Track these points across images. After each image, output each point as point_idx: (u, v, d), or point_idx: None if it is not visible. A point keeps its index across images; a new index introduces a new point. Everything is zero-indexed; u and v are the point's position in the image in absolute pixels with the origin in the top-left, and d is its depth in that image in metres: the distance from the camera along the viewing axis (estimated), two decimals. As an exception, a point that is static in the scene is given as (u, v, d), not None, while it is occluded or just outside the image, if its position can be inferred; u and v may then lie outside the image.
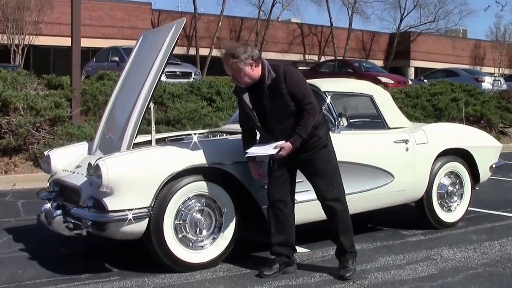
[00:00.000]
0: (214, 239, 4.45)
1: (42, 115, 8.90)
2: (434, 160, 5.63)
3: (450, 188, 5.82)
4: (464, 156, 5.92)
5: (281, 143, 4.09)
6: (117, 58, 16.29)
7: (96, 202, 4.17)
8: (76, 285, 4.07)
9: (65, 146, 5.46)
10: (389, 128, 5.52)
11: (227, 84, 12.43)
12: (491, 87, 20.42)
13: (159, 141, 4.94)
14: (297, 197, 4.63)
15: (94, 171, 4.10)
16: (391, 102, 5.82)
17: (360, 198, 5.10)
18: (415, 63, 39.09)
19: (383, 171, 5.26)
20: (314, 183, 4.30)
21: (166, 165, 4.18)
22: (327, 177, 4.25)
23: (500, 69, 40.02)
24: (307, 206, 4.66)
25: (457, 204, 5.89)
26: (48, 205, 4.65)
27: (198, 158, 4.30)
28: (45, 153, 5.20)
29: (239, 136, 4.67)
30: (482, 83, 20.95)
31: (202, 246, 4.40)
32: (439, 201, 5.75)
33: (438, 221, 5.74)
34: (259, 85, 4.13)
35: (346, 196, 4.75)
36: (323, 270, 4.41)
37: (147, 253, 4.53)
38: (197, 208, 4.35)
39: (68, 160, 5.03)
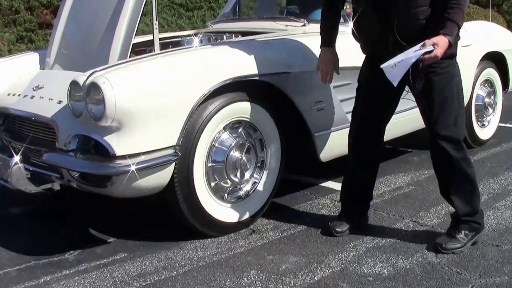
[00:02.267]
0: (254, 184, 3.11)
1: None
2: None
3: (487, 100, 4.87)
4: (496, 61, 4.91)
5: (431, 39, 2.53)
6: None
7: (87, 143, 2.66)
8: (67, 276, 2.60)
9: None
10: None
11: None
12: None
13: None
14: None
15: (86, 93, 2.55)
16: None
17: (406, 118, 3.93)
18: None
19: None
20: (424, 109, 2.84)
21: (197, 80, 2.71)
22: (445, 103, 2.73)
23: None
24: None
25: (490, 118, 4.94)
26: (-10, 148, 3.09)
27: (234, 69, 2.86)
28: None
29: (264, 37, 3.31)
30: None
31: (240, 197, 3.06)
32: (476, 115, 4.76)
33: (474, 138, 4.78)
34: None
35: (395, 114, 3.69)
36: (403, 217, 3.24)
37: (141, 213, 3.21)
38: (234, 142, 2.95)
39: (10, 79, 3.37)
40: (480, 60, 4.62)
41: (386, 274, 2.54)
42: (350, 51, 3.49)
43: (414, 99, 3.59)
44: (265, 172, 3.15)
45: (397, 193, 3.64)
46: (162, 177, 2.66)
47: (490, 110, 4.90)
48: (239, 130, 2.99)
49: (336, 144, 3.37)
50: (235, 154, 2.95)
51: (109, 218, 3.32)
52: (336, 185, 3.80)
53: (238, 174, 2.99)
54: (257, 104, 2.99)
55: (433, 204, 3.40)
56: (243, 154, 2.98)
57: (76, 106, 2.63)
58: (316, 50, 3.19)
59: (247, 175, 3.04)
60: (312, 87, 3.18)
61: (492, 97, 4.89)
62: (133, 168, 2.50)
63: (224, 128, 2.91)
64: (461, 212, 2.80)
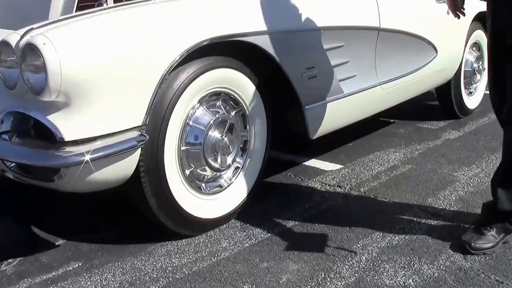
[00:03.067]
0: (237, 169, 2.56)
1: None
2: (467, 28, 4.16)
3: (475, 65, 4.44)
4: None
5: None
6: None
7: (25, 123, 2.04)
8: (7, 296, 2.01)
9: None
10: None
11: None
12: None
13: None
14: (345, 89, 2.93)
15: (21, 57, 1.91)
16: None
17: (405, 83, 3.52)
18: None
19: (428, 43, 3.67)
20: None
21: (166, 40, 2.11)
22: None
23: None
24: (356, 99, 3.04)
25: (477, 85, 4.54)
26: None
27: (212, 27, 2.26)
28: None
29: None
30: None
31: (221, 186, 2.50)
32: (464, 82, 4.34)
33: (462, 108, 4.38)
34: None
35: (391, 82, 3.38)
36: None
37: (96, 206, 2.64)
38: (213, 119, 2.37)
39: None
40: (472, 21, 4.17)
41: (413, 286, 2.04)
42: (340, 7, 2.97)
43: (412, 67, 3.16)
44: (249, 155, 2.60)
45: (394, 174, 3.16)
46: (125, 167, 2.06)
47: (478, 77, 4.49)
48: (218, 104, 2.42)
49: (328, 118, 2.86)
50: (214, 134, 2.38)
51: (56, 213, 2.71)
52: (323, 164, 3.32)
53: (219, 159, 2.42)
54: (239, 72, 2.42)
55: (439, 188, 2.94)
56: (224, 134, 2.41)
57: (8, 74, 1.98)
58: (303, 6, 2.64)
59: (229, 159, 2.47)
60: (302, 50, 2.64)
61: (480, 62, 4.47)
62: (87, 157, 1.89)
63: (199, 102, 2.33)
64: (501, 208, 2.27)
